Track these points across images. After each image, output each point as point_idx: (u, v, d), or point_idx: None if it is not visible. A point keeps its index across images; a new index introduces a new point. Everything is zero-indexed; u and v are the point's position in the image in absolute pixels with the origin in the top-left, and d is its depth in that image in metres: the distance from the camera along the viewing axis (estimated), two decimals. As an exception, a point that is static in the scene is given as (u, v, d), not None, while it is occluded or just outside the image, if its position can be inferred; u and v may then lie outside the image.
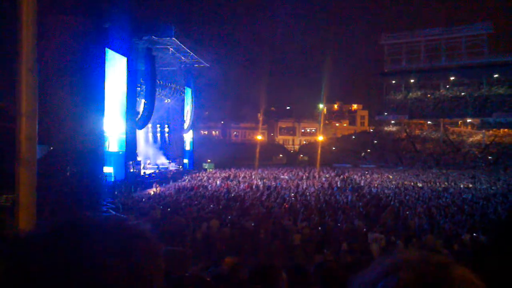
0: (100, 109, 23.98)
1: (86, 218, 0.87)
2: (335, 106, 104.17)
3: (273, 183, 30.38)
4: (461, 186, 30.08)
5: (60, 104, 20.00)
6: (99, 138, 24.02)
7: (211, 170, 44.91)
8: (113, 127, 26.60)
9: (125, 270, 0.81)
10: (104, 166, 24.68)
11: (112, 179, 26.17)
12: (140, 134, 39.27)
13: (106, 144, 25.73)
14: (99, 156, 23.77)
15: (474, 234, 13.01)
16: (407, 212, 17.55)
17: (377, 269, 0.91)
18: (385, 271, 0.89)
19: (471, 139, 60.13)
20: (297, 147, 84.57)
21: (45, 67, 18.65)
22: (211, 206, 18.75)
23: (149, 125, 39.88)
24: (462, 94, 61.44)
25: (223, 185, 29.15)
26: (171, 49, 36.32)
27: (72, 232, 0.82)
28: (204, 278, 2.32)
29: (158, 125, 44.28)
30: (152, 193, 26.27)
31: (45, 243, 0.80)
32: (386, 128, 67.97)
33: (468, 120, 64.08)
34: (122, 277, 0.80)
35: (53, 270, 0.77)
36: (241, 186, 28.40)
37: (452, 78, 62.71)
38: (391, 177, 37.48)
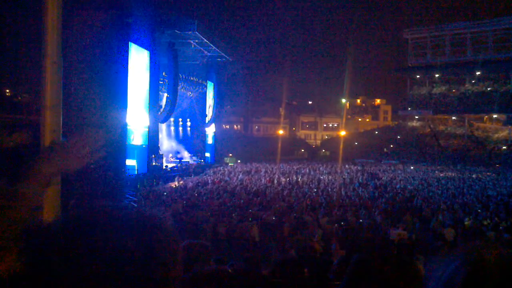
0: (124, 103, 24.22)
1: (107, 208, 0.88)
2: (358, 101, 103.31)
3: (294, 177, 30.34)
4: (486, 183, 29.55)
5: (84, 97, 20.29)
6: (123, 131, 24.30)
7: (232, 164, 45.04)
8: (136, 120, 26.86)
9: (144, 259, 0.81)
10: (127, 159, 24.96)
11: (135, 172, 26.46)
12: (163, 127, 39.56)
13: (130, 137, 26.01)
14: (122, 149, 24.06)
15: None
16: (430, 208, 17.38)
17: (450, 256, 0.91)
18: (459, 257, 0.89)
19: (496, 135, 58.99)
20: (319, 141, 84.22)
21: (70, 60, 18.94)
22: (233, 200, 18.82)
23: (171, 119, 40.15)
24: (488, 89, 60.23)
25: (245, 178, 29.22)
26: (193, 43, 36.45)
27: (93, 222, 0.83)
28: (226, 270, 2.33)
29: (180, 119, 44.53)
30: (174, 186, 26.49)
31: (68, 233, 0.82)
32: (409, 123, 67.14)
33: (494, 116, 62.85)
34: (141, 266, 0.81)
35: (75, 259, 0.78)
36: (263, 180, 28.43)
37: (478, 73, 61.53)
38: (414, 173, 37.09)
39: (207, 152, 45.03)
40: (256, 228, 12.59)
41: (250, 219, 14.04)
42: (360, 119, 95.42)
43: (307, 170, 36.71)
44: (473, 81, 62.58)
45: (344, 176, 31.56)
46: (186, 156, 42.59)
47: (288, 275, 3.48)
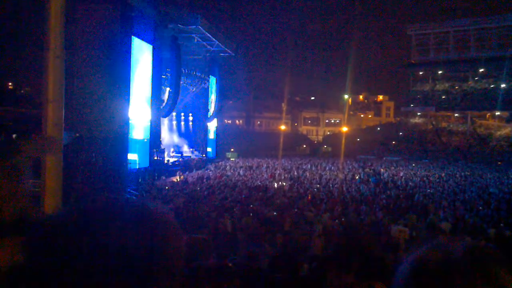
0: (126, 97, 24.19)
1: (109, 201, 0.88)
2: (361, 97, 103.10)
3: (296, 173, 30.34)
4: (488, 180, 29.53)
5: (86, 91, 20.30)
6: (124, 125, 24.27)
7: (234, 159, 45.01)
8: (138, 114, 26.83)
9: (147, 254, 0.82)
10: (128, 153, 24.95)
11: (137, 167, 26.46)
12: (165, 122, 39.56)
13: (132, 131, 25.97)
14: (124, 143, 24.03)
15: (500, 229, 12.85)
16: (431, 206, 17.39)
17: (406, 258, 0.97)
18: (408, 259, 0.94)
19: (499, 133, 58.87)
20: (321, 137, 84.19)
21: (72, 54, 18.94)
22: (234, 195, 18.83)
23: (174, 113, 40.13)
24: (491, 86, 60.09)
25: (247, 173, 29.24)
26: (196, 37, 36.38)
27: (95, 215, 0.84)
28: (226, 265, 2.34)
29: (182, 114, 44.49)
30: (175, 181, 26.52)
31: (69, 226, 0.82)
32: (412, 120, 67.06)
33: (497, 113, 62.70)
34: (144, 260, 0.81)
35: (77, 252, 0.78)
36: (264, 176, 28.44)
37: (481, 70, 61.36)
38: (415, 169, 37.08)
39: (209, 147, 44.99)
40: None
41: (251, 214, 14.08)
42: (362, 115, 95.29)
43: (309, 166, 36.72)
44: (476, 78, 62.41)
45: (345, 172, 31.57)
46: (186, 150, 42.56)
47: (285, 270, 3.49)
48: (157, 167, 29.38)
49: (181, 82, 34.28)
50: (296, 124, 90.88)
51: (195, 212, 14.15)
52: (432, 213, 15.45)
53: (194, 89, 42.10)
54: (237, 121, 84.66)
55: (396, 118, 78.82)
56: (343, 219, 13.90)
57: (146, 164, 27.91)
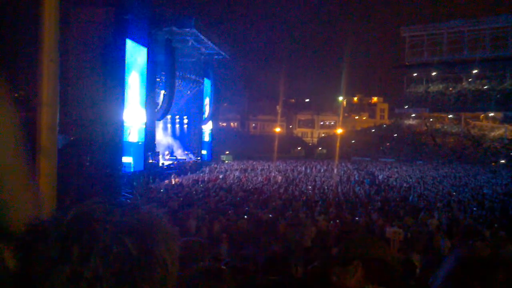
0: (121, 100, 24.14)
1: (104, 205, 0.88)
2: (355, 98, 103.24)
3: (291, 175, 30.35)
4: (482, 181, 29.66)
5: (81, 94, 20.25)
6: (119, 128, 24.21)
7: (229, 162, 44.96)
8: (133, 117, 26.76)
9: (142, 257, 0.82)
10: (123, 156, 24.88)
11: (131, 170, 26.39)
12: (159, 125, 39.48)
13: (126, 134, 25.90)
14: (118, 146, 23.97)
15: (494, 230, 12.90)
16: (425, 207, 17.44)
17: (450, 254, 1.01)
18: (454, 253, 0.99)
19: (492, 134, 59.09)
20: (315, 139, 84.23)
21: (67, 57, 18.89)
22: (229, 198, 18.81)
23: (168, 116, 40.04)
24: (485, 87, 60.29)
25: (241, 176, 29.21)
26: (190, 40, 36.34)
27: (90, 219, 0.83)
28: (219, 267, 2.34)
29: (177, 116, 44.41)
30: (170, 184, 26.45)
31: (64, 230, 0.82)
32: (406, 122, 67.23)
33: (490, 114, 62.94)
34: (140, 264, 0.81)
35: (71, 257, 0.78)
36: (259, 178, 28.43)
37: (475, 71, 61.57)
38: (410, 171, 37.16)
39: (204, 149, 44.93)
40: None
41: (246, 216, 14.06)
42: (356, 117, 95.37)
43: (304, 168, 36.72)
44: (470, 80, 62.57)
45: (340, 174, 31.61)
46: (181, 153, 42.47)
47: (279, 273, 3.48)
48: (152, 170, 29.31)
49: (175, 85, 34.24)
50: (291, 126, 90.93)
51: (189, 215, 14.12)
52: (423, 212, 15.56)
53: (189, 92, 42.04)
54: (232, 123, 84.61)
55: (391, 119, 79.00)
56: (338, 221, 13.92)
57: (141, 167, 27.84)
